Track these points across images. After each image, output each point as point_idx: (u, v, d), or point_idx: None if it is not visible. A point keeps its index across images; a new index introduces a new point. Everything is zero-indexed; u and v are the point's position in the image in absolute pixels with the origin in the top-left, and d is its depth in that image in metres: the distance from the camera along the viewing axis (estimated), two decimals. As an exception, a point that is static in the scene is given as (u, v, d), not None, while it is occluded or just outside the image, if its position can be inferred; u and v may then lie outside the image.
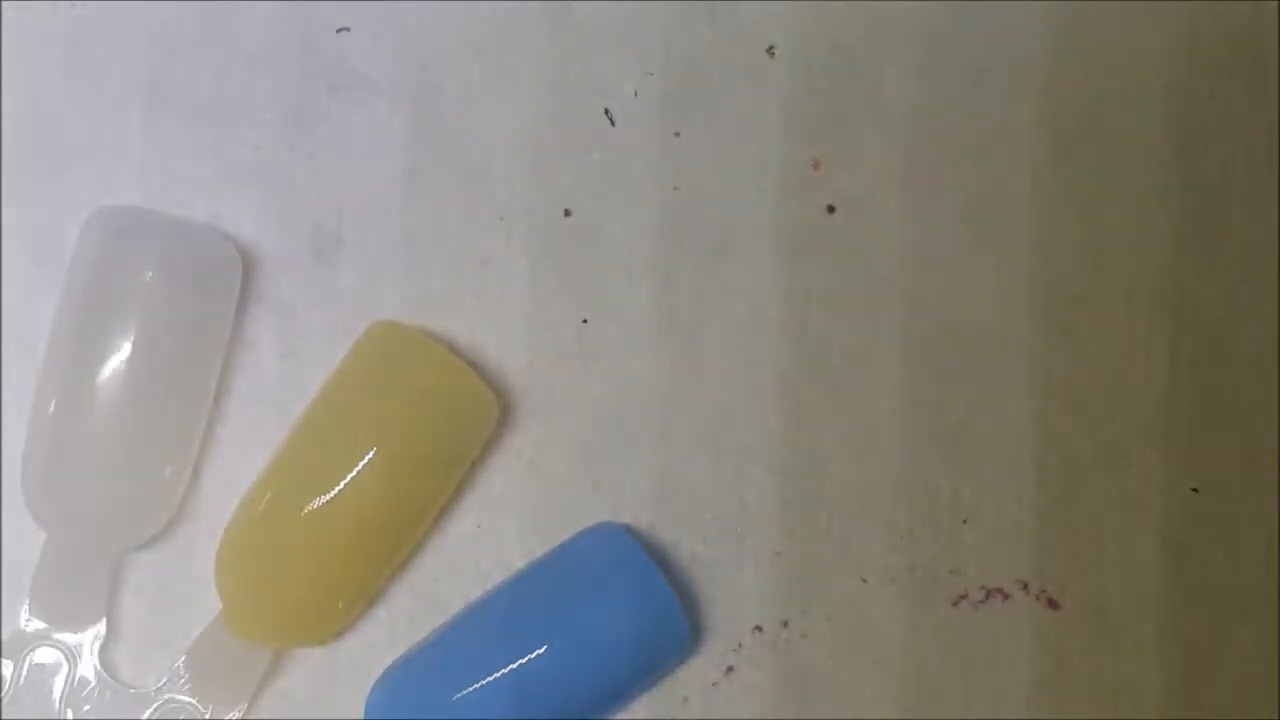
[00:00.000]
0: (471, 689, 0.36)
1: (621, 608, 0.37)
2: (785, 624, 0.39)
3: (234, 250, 0.38)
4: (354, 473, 0.37)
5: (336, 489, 0.37)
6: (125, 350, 0.37)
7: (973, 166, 0.40)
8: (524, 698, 0.36)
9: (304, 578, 0.37)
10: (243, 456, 0.39)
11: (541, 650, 0.36)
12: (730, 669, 0.39)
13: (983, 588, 0.39)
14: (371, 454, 0.37)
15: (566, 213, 0.40)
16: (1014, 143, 0.40)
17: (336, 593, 0.38)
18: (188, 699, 0.38)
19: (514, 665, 0.36)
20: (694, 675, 0.39)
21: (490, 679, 0.36)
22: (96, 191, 0.39)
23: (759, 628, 0.39)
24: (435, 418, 0.37)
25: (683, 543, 0.39)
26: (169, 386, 0.37)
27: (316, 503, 0.37)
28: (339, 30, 0.40)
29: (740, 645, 0.39)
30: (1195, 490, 0.39)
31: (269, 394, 0.39)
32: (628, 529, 0.38)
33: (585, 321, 0.39)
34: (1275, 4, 0.40)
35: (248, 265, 0.39)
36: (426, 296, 0.39)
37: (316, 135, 0.40)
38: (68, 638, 0.38)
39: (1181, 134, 0.40)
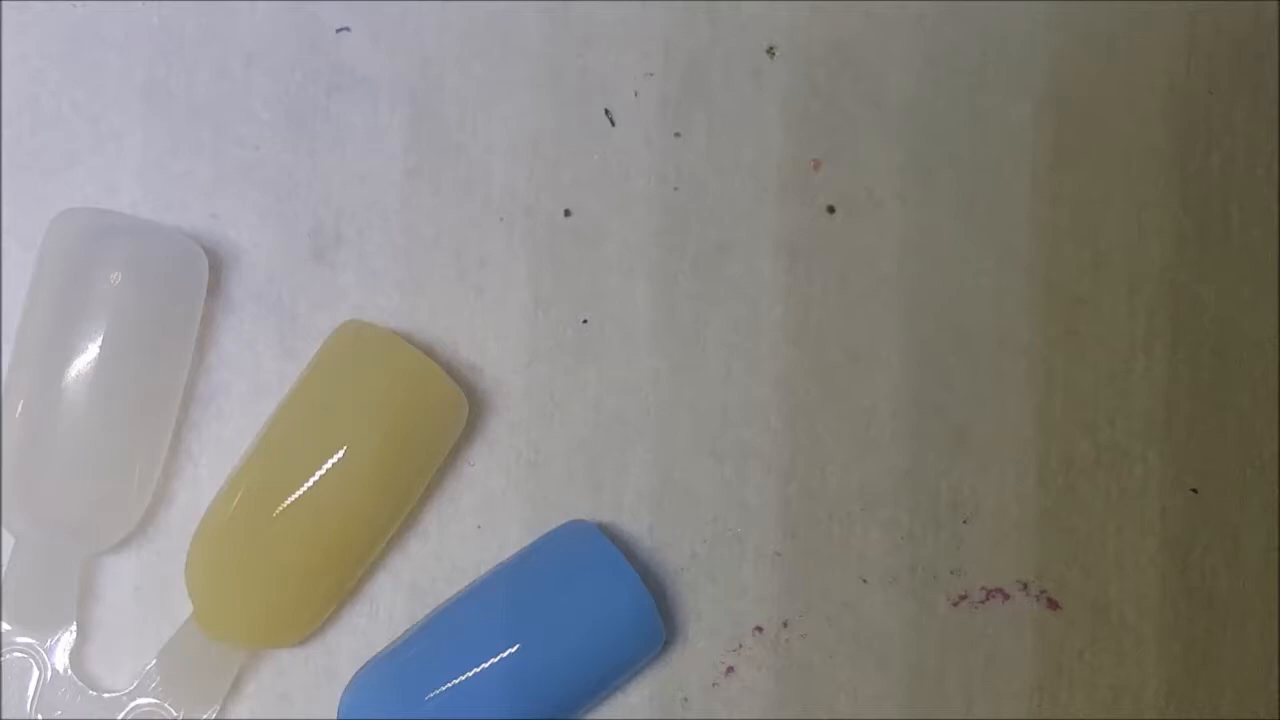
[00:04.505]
0: (444, 688, 0.36)
1: (592, 603, 0.37)
2: (785, 624, 0.39)
3: (200, 252, 0.38)
4: (323, 472, 0.37)
5: (306, 489, 0.37)
6: (92, 353, 0.37)
7: (973, 166, 0.40)
8: (498, 696, 0.36)
9: (275, 578, 0.37)
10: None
11: (514, 648, 0.36)
12: (730, 669, 0.39)
13: (983, 588, 0.39)
14: (341, 454, 0.37)
15: (566, 213, 0.40)
16: (1014, 143, 0.40)
17: (308, 593, 0.38)
18: (159, 701, 0.38)
19: (487, 664, 0.36)
20: (694, 675, 0.39)
21: (463, 678, 0.36)
22: (96, 191, 0.39)
23: (759, 628, 0.39)
24: (404, 417, 0.37)
25: (683, 543, 0.39)
26: (137, 389, 0.37)
27: (286, 503, 0.37)
28: (339, 30, 0.40)
29: (740, 645, 0.39)
30: (1195, 490, 0.39)
31: (269, 394, 0.39)
32: (600, 526, 0.38)
33: (585, 321, 0.39)
34: (1275, 4, 0.40)
35: (248, 265, 0.39)
36: (426, 296, 0.39)
37: (316, 135, 0.40)
38: (38, 641, 0.38)
39: (1181, 134, 0.40)
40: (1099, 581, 0.39)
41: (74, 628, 0.38)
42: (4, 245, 0.39)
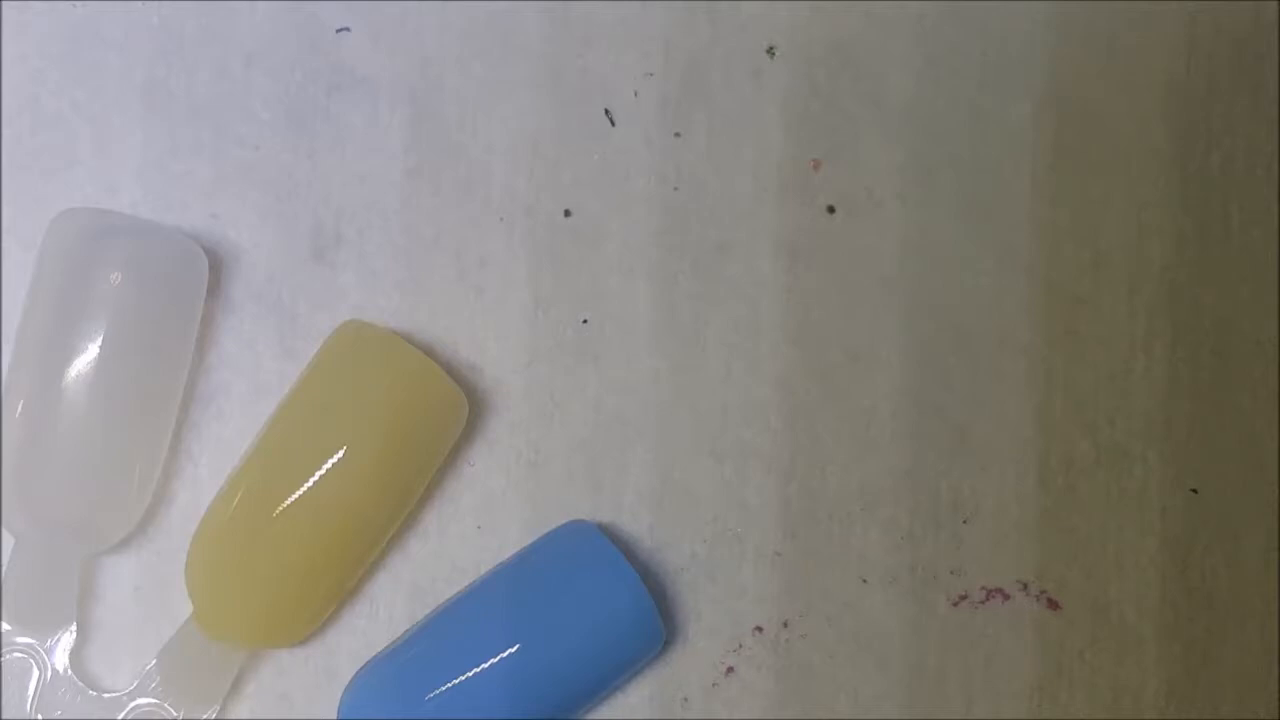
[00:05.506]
0: (444, 688, 0.36)
1: (592, 603, 0.37)
2: (785, 624, 0.39)
3: (200, 252, 0.38)
4: (323, 472, 0.37)
5: (306, 489, 0.37)
6: (92, 353, 0.37)
7: (973, 166, 0.40)
8: (498, 696, 0.36)
9: (275, 578, 0.37)
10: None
11: (514, 649, 0.36)
12: (730, 669, 0.39)
13: (983, 588, 0.39)
14: (341, 454, 0.37)
15: (566, 213, 0.40)
16: (1014, 143, 0.40)
17: (308, 593, 0.38)
18: (159, 701, 0.38)
19: (487, 664, 0.36)
20: (694, 675, 0.39)
21: (463, 678, 0.36)
22: (96, 191, 0.39)
23: (759, 628, 0.39)
24: (404, 417, 0.37)
25: (683, 543, 0.39)
26: (137, 389, 0.37)
27: (286, 502, 0.37)
28: (339, 30, 0.40)
29: (740, 645, 0.39)
30: (1195, 490, 0.39)
31: (269, 394, 0.39)
32: (600, 526, 0.38)
33: (585, 321, 0.39)
34: (1275, 4, 0.40)
35: (247, 265, 0.39)
36: (426, 296, 0.39)
37: (316, 135, 0.40)
38: (38, 641, 0.38)
39: (1181, 134, 0.40)
40: (1099, 581, 0.39)
41: (74, 628, 0.38)
42: (4, 245, 0.39)
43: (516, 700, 0.37)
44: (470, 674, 0.36)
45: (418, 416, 0.37)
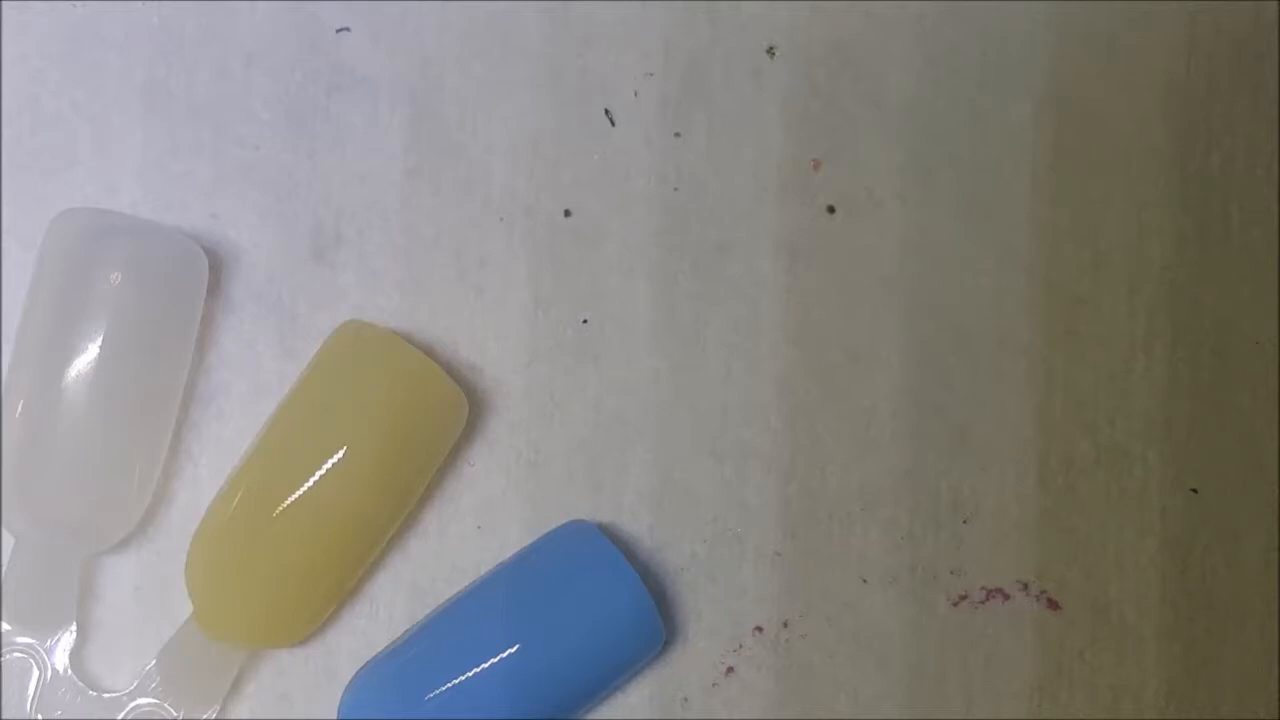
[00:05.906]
0: (444, 688, 0.36)
1: (592, 603, 0.37)
2: (785, 624, 0.39)
3: (200, 252, 0.38)
4: (323, 472, 0.37)
5: (305, 489, 0.37)
6: (92, 353, 0.37)
7: (973, 166, 0.40)
8: (498, 696, 0.36)
9: (274, 578, 0.37)
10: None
11: (515, 649, 0.36)
12: (730, 669, 0.39)
13: (983, 588, 0.39)
14: (341, 454, 0.37)
15: (566, 213, 0.40)
16: (1014, 143, 0.40)
17: (307, 593, 0.38)
18: (159, 701, 0.38)
19: (487, 664, 0.36)
20: (694, 675, 0.39)
21: (463, 678, 0.36)
22: (96, 191, 0.39)
23: (759, 628, 0.39)
24: (404, 417, 0.37)
25: (683, 543, 0.39)
26: (137, 389, 0.37)
27: (286, 503, 0.37)
28: (339, 30, 0.40)
29: (740, 645, 0.39)
30: (1195, 490, 0.39)
31: (269, 394, 0.39)
32: (600, 526, 0.38)
33: (585, 321, 0.39)
34: (1275, 4, 0.40)
35: (247, 265, 0.39)
36: (426, 296, 0.39)
37: (316, 135, 0.40)
38: (38, 641, 0.38)
39: (1181, 134, 0.40)
40: (1099, 581, 0.39)
41: (74, 628, 0.38)
42: (4, 245, 0.39)
43: (516, 700, 0.37)
44: (470, 674, 0.36)
45: (418, 416, 0.37)
